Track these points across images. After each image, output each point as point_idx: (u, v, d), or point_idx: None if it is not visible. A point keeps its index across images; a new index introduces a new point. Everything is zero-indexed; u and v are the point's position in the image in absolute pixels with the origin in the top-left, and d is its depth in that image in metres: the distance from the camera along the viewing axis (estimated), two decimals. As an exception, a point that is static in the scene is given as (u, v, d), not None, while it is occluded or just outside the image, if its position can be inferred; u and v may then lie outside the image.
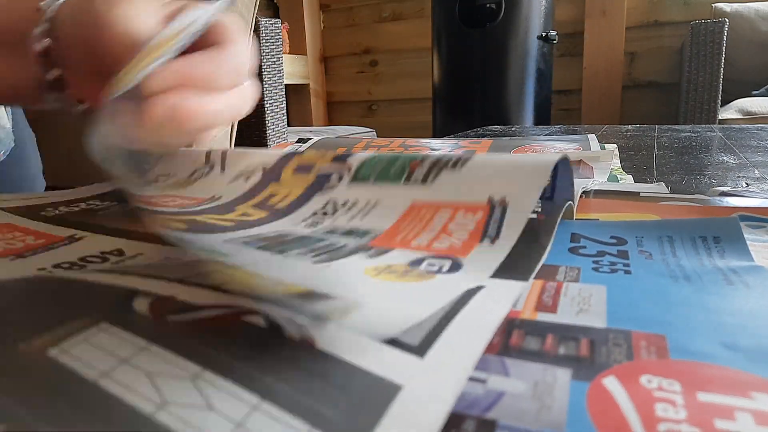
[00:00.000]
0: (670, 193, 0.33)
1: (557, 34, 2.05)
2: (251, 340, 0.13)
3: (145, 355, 0.12)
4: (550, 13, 2.05)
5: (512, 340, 0.15)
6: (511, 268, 0.19)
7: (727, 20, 1.87)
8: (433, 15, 2.15)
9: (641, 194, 0.31)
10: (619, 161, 0.50)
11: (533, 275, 0.19)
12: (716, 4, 2.18)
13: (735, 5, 2.14)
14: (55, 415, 0.10)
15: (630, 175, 0.42)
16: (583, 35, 2.43)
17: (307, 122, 2.98)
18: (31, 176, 0.57)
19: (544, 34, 1.98)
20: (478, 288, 0.17)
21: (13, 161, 0.53)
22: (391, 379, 0.12)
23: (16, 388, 0.11)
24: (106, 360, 0.12)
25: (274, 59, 1.53)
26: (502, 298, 0.17)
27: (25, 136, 0.57)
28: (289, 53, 2.78)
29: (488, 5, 1.94)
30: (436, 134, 2.18)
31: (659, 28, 2.36)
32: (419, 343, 0.13)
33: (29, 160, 0.57)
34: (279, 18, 2.37)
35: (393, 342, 0.13)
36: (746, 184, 0.40)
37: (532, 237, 0.22)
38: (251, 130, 1.53)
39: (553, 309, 0.17)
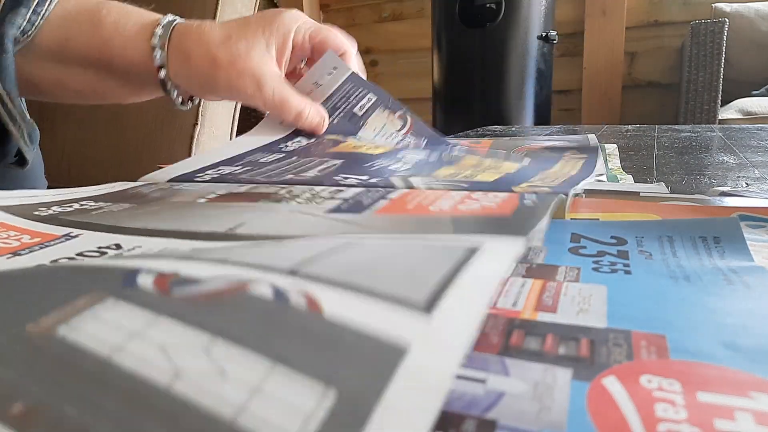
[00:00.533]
0: (670, 193, 0.33)
1: (557, 34, 2.05)
2: (259, 310, 0.13)
3: (155, 328, 0.12)
4: (550, 13, 2.04)
5: (512, 340, 0.15)
6: (510, 229, 0.20)
7: (727, 20, 1.87)
8: (433, 15, 2.15)
9: (641, 194, 0.31)
10: (619, 161, 0.50)
11: (532, 233, 0.20)
12: (716, 4, 2.18)
13: (735, 5, 2.14)
14: (70, 392, 0.10)
15: (630, 175, 0.42)
16: (583, 35, 2.43)
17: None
18: (33, 177, 0.57)
19: (544, 34, 1.98)
20: (478, 245, 0.17)
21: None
22: (399, 338, 0.12)
23: (28, 368, 0.11)
24: (117, 334, 0.12)
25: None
26: (503, 254, 0.16)
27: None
28: (289, 53, 2.78)
29: (488, 5, 1.94)
30: (436, 134, 2.18)
31: (659, 28, 2.36)
32: (425, 301, 0.13)
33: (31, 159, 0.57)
34: (279, 18, 2.36)
35: (399, 301, 0.13)
36: (746, 184, 0.40)
37: (529, 211, 0.23)
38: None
39: (553, 309, 0.17)
